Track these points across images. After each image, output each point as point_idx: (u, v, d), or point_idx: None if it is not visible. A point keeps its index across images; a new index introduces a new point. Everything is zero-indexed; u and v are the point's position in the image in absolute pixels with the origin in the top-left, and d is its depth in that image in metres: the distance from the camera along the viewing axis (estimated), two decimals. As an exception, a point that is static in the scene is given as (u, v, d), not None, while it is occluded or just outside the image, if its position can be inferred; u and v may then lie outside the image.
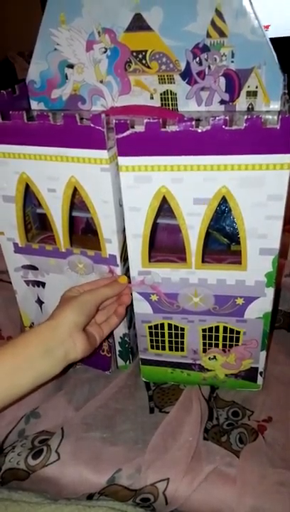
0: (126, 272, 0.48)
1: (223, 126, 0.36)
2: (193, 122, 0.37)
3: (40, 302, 0.55)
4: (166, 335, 0.51)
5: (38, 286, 0.53)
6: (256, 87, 0.50)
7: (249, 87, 0.50)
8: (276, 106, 0.50)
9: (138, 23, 0.49)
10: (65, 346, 0.42)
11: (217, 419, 0.50)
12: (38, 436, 0.49)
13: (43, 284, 0.53)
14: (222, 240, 0.53)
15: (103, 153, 0.40)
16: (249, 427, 0.49)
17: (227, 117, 0.36)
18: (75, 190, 0.44)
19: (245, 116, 0.36)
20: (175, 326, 0.49)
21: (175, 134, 0.37)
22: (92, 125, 0.39)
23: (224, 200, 0.40)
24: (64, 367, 0.43)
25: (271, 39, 0.48)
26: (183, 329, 0.50)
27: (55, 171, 0.44)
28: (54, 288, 0.52)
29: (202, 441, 0.47)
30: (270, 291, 0.44)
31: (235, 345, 0.49)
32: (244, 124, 0.36)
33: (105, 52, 0.51)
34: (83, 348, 0.44)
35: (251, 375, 0.51)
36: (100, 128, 0.39)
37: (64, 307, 0.44)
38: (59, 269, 0.50)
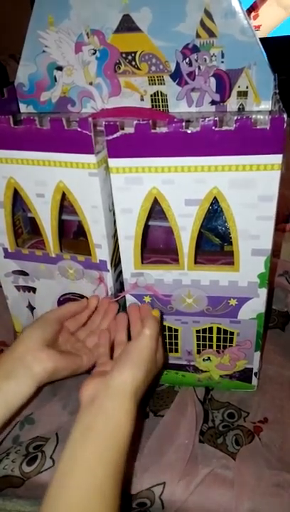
0: (118, 276, 0.48)
1: (213, 127, 0.36)
2: (183, 123, 0.36)
3: (31, 308, 0.55)
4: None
5: (29, 292, 0.53)
6: (247, 87, 0.49)
7: (239, 87, 0.50)
8: (266, 106, 0.50)
9: (127, 24, 0.48)
10: (24, 363, 0.41)
11: (213, 421, 0.49)
12: (33, 442, 0.48)
13: (34, 290, 0.52)
14: (214, 240, 0.52)
15: (91, 158, 0.40)
16: (245, 429, 0.48)
17: (217, 118, 0.36)
18: (65, 193, 0.44)
19: (235, 117, 0.35)
20: (169, 327, 0.49)
21: (165, 135, 0.37)
22: (79, 129, 0.39)
23: (216, 200, 0.40)
24: (38, 384, 0.42)
25: (262, 39, 0.47)
26: (176, 330, 0.49)
27: (43, 176, 0.43)
28: (45, 293, 0.52)
29: (197, 444, 0.47)
30: (263, 292, 0.44)
31: (229, 346, 0.49)
32: (234, 125, 0.36)
33: (94, 53, 0.51)
34: (53, 364, 0.42)
35: (245, 375, 0.51)
36: (87, 132, 0.39)
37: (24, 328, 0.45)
38: (49, 275, 0.50)
